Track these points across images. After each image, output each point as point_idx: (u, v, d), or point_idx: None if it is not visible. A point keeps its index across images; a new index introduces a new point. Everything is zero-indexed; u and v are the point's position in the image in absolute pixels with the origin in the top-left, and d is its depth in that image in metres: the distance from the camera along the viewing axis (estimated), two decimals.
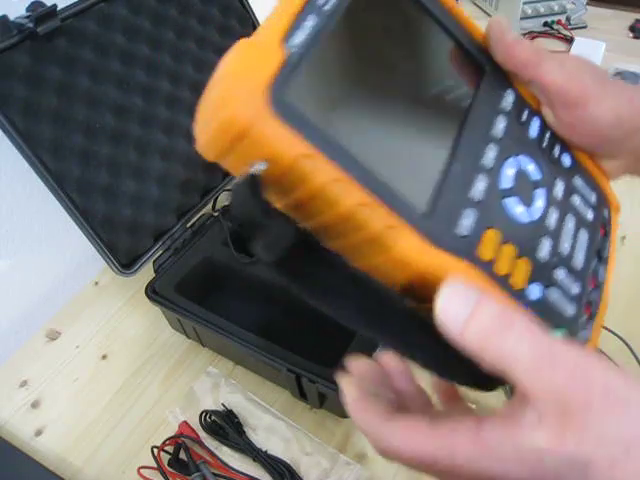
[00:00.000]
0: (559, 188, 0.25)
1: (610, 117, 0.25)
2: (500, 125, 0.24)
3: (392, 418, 0.23)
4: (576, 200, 0.25)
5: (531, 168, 0.24)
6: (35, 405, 0.57)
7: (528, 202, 0.23)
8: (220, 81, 0.18)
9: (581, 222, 0.25)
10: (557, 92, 0.25)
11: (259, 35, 0.19)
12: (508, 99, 0.25)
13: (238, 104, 0.17)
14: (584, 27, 1.03)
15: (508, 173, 0.23)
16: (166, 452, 0.50)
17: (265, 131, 0.17)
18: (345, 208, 0.19)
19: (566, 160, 0.26)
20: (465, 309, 0.19)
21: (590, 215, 0.26)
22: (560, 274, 0.23)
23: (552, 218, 0.24)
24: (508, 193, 0.23)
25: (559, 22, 1.00)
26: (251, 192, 0.18)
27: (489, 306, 0.20)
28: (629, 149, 0.27)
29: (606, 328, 0.55)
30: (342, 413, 0.52)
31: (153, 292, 0.56)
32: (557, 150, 0.25)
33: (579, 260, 0.24)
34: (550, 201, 0.24)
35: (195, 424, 0.51)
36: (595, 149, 0.27)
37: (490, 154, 0.23)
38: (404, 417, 0.23)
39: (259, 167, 0.18)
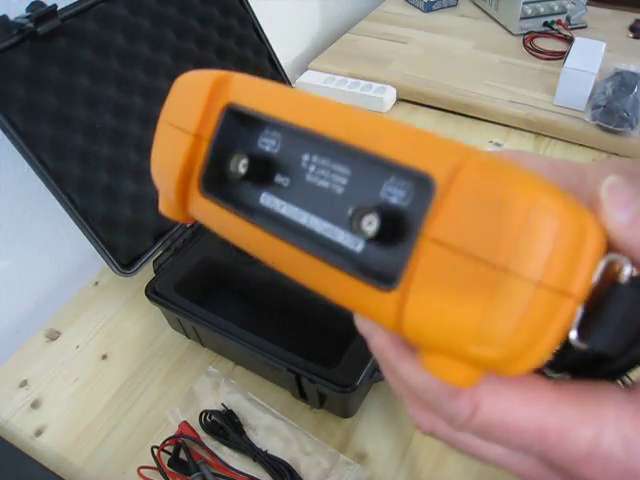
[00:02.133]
0: None
1: None
2: None
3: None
4: None
5: None
6: (35, 405, 0.57)
7: None
8: None
9: None
10: None
11: None
12: None
13: None
14: (584, 27, 1.03)
15: None
16: (166, 452, 0.50)
17: None
18: None
19: None
20: None
21: None
22: None
23: None
24: None
25: (559, 22, 1.00)
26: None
27: None
28: None
29: None
30: (342, 413, 0.52)
31: (153, 292, 0.56)
32: None
33: None
34: None
35: (195, 424, 0.51)
36: None
37: None
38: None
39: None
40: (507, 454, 0.18)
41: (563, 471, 0.16)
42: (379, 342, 0.19)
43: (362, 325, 0.20)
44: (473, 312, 0.14)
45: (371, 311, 0.17)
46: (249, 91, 0.21)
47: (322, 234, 0.19)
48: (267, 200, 0.21)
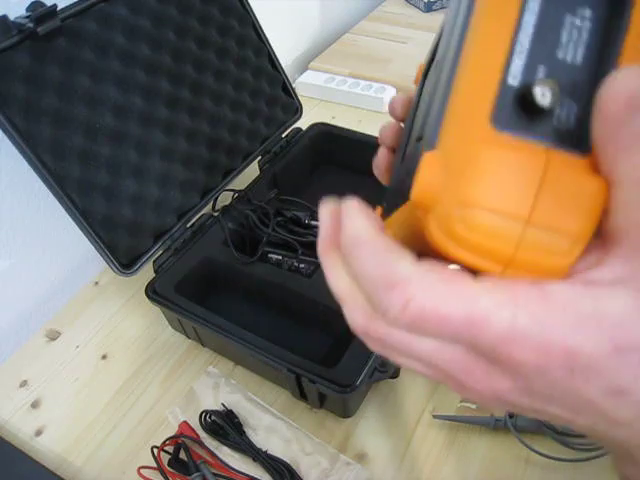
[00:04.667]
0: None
1: None
2: None
3: (422, 262, 0.18)
4: None
5: None
6: (35, 405, 0.57)
7: None
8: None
9: None
10: None
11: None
12: None
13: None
14: None
15: None
16: (166, 452, 0.50)
17: None
18: None
19: None
20: None
21: None
22: None
23: None
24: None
25: None
26: None
27: None
28: None
29: None
30: (342, 413, 0.52)
31: (153, 292, 0.56)
32: None
33: None
34: None
35: (195, 424, 0.52)
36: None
37: None
38: (433, 263, 0.18)
39: None
40: (437, 347, 0.19)
41: (488, 355, 0.18)
42: (355, 224, 0.20)
43: (330, 212, 0.21)
44: None
45: None
46: None
47: None
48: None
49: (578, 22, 0.17)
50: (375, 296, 0.19)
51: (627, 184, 0.17)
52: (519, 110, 0.17)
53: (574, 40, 0.18)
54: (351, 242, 0.20)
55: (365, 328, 0.21)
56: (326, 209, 0.22)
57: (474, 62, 0.18)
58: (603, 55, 0.17)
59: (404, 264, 0.18)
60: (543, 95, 0.16)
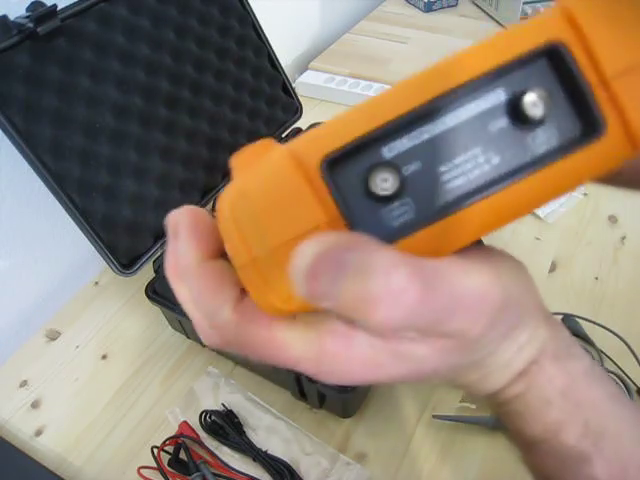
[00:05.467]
0: None
1: None
2: None
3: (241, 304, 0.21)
4: None
5: None
6: (35, 405, 0.57)
7: None
8: None
9: None
10: None
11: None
12: None
13: None
14: None
15: None
16: (166, 452, 0.50)
17: None
18: None
19: None
20: None
21: None
22: None
23: None
24: None
25: None
26: None
27: None
28: None
29: (606, 328, 0.55)
30: (342, 413, 0.52)
31: (153, 292, 0.56)
32: None
33: None
34: None
35: (195, 424, 0.52)
36: None
37: None
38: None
39: None
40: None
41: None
42: (183, 251, 0.20)
43: (171, 226, 0.21)
44: None
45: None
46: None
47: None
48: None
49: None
50: (210, 319, 0.20)
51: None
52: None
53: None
54: (182, 272, 0.21)
55: (208, 342, 0.22)
56: (168, 221, 0.21)
57: None
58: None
59: (225, 309, 0.20)
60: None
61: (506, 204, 0.18)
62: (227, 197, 0.20)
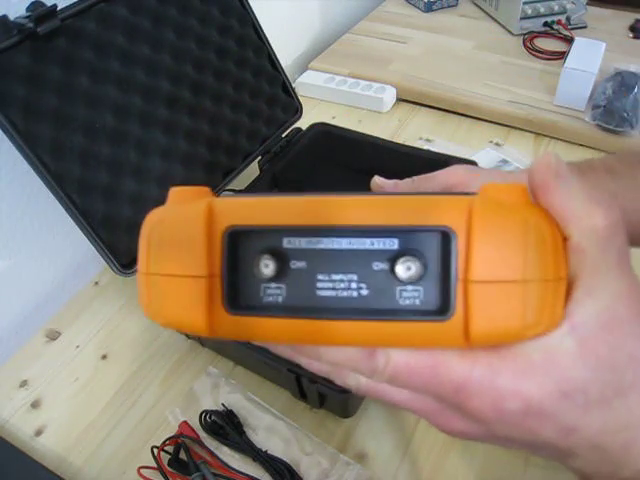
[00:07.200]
0: None
1: None
2: None
3: None
4: None
5: None
6: (35, 405, 0.57)
7: None
8: None
9: None
10: None
11: None
12: None
13: None
14: (584, 27, 1.03)
15: None
16: (166, 452, 0.50)
17: None
18: None
19: None
20: None
21: None
22: None
23: None
24: None
25: (559, 22, 1.01)
26: None
27: None
28: None
29: None
30: (342, 413, 0.52)
31: None
32: None
33: None
34: None
35: (195, 424, 0.52)
36: None
37: None
38: None
39: None
40: (411, 397, 0.24)
41: (451, 404, 0.22)
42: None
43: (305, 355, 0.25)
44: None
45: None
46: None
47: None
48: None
49: None
50: (360, 367, 0.22)
51: (578, 233, 0.20)
52: None
53: None
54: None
55: (357, 387, 0.25)
56: None
57: None
58: None
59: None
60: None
61: (355, 333, 0.21)
62: (152, 216, 0.23)
